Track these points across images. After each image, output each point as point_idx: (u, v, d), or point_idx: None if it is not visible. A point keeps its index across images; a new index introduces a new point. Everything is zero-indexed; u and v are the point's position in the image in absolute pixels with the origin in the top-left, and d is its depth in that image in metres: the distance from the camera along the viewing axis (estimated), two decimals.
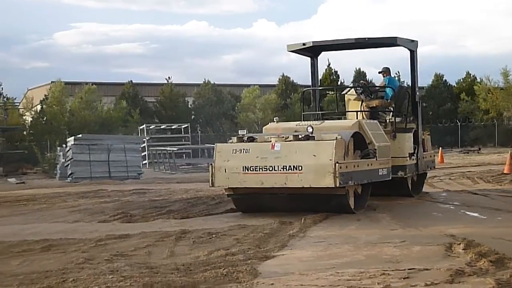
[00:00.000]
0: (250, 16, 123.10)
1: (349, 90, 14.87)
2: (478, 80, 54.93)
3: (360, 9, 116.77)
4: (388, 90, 14.07)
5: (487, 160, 30.20)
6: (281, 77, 54.23)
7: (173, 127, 45.32)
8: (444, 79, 56.25)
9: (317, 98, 15.09)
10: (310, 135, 10.79)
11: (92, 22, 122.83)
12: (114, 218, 11.97)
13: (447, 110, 53.62)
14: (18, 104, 47.72)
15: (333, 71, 51.85)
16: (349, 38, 13.70)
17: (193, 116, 52.19)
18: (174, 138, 44.03)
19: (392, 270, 6.40)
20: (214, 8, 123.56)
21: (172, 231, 9.63)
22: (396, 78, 14.27)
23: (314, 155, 10.48)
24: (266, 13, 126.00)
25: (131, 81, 54.62)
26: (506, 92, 51.52)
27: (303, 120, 13.48)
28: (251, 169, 10.85)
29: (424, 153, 14.36)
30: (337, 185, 10.29)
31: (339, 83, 50.88)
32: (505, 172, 20.35)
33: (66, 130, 42.98)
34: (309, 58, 14.99)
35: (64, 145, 29.08)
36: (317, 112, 14.76)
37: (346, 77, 57.29)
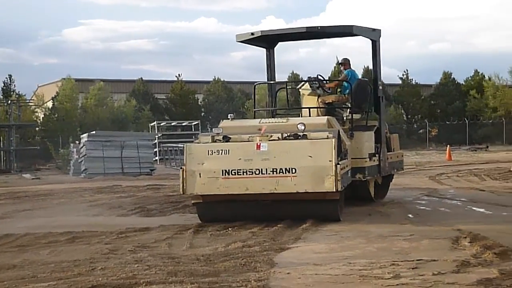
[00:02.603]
0: (259, 13, 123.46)
1: (303, 84, 13.29)
2: (487, 78, 55.13)
3: (369, 6, 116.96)
4: (346, 84, 12.67)
5: (495, 158, 30.48)
6: (290, 75, 54.56)
7: (183, 124, 45.76)
8: (452, 77, 56.50)
9: (273, 93, 13.58)
10: (302, 133, 9.76)
11: (102, 19, 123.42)
12: (132, 212, 12.40)
13: (455, 108, 53.90)
14: (29, 101, 48.24)
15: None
16: (301, 27, 12.61)
17: (203, 113, 52.62)
18: (184, 135, 44.41)
19: (402, 261, 6.77)
20: (224, 4, 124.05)
21: (189, 224, 10.04)
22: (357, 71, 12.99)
23: (310, 156, 9.42)
24: (275, 10, 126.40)
25: (142, 78, 55.13)
26: None
27: (255, 117, 12.68)
28: (233, 173, 9.56)
29: (389, 153, 12.92)
30: (339, 189, 9.37)
31: None
32: None
33: (78, 126, 43.50)
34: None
35: (77, 142, 29.55)
36: (269, 109, 13.46)
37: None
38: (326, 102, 12.51)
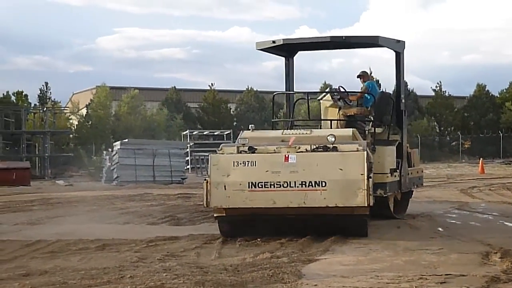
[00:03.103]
0: (292, 23, 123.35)
1: (324, 96, 12.95)
2: None
3: (402, 17, 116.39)
4: (367, 96, 12.25)
5: None
6: (322, 85, 54.49)
7: (215, 133, 45.95)
8: (486, 89, 55.99)
9: (290, 104, 13.22)
10: (332, 145, 9.43)
11: (135, 27, 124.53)
12: (162, 220, 12.50)
13: (489, 121, 53.37)
14: (64, 108, 48.92)
15: (375, 79, 51.91)
16: (325, 36, 12.36)
17: (235, 123, 52.81)
18: (216, 144, 44.53)
19: (430, 275, 6.73)
20: (257, 14, 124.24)
21: (218, 234, 10.04)
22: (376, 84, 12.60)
23: (341, 169, 9.09)
24: (307, 20, 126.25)
25: (175, 87, 55.56)
26: None
27: (273, 128, 12.41)
28: (260, 186, 9.20)
29: (410, 168, 12.59)
30: (370, 204, 9.06)
31: None
32: None
33: (110, 134, 43.96)
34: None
35: (109, 149, 29.88)
36: (288, 120, 13.00)
37: (388, 87, 57.25)
38: (348, 114, 12.13)
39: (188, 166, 37.38)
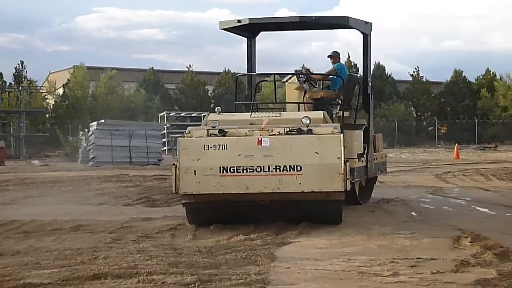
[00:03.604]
0: (272, 6, 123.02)
1: (290, 78, 12.20)
2: (498, 77, 55.04)
3: (383, 2, 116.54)
4: (336, 79, 11.69)
5: (503, 158, 30.45)
6: (301, 68, 54.44)
7: (193, 114, 45.90)
8: (463, 75, 56.43)
9: (253, 86, 12.57)
10: (307, 128, 8.95)
11: (114, 7, 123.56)
12: (137, 202, 12.51)
13: (465, 107, 53.85)
14: (40, 87, 48.49)
15: (352, 64, 52.02)
16: (294, 16, 11.76)
17: (212, 105, 52.63)
18: (194, 126, 44.53)
19: (401, 259, 6.82)
20: None
21: None
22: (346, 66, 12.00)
23: (317, 153, 8.73)
24: (288, 2, 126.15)
25: (153, 68, 55.30)
26: None
27: (235, 111, 11.77)
28: (232, 170, 8.73)
29: (375, 153, 12.20)
30: (348, 188, 8.82)
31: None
32: None
33: (88, 114, 43.71)
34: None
35: (86, 130, 29.73)
36: (252, 102, 12.28)
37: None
38: (315, 97, 11.56)
39: (164, 148, 37.31)
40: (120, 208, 11.60)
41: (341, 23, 11.82)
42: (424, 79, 56.91)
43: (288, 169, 8.70)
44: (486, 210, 11.43)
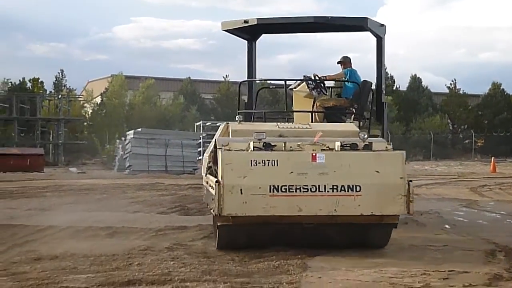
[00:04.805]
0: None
1: (298, 85, 11.10)
2: None
3: (419, 13, 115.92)
4: (350, 85, 10.81)
5: None
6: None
7: None
8: (501, 88, 55.82)
9: (253, 92, 11.66)
10: (365, 143, 7.94)
11: (151, 17, 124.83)
12: (172, 210, 12.66)
13: (503, 119, 53.22)
14: (79, 96, 49.19)
15: (388, 75, 51.80)
16: (308, 16, 10.73)
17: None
18: None
19: (433, 271, 6.80)
20: (273, 7, 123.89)
21: None
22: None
23: (377, 171, 7.75)
24: (324, 13, 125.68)
25: (190, 77, 55.72)
26: None
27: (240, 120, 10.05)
28: (284, 190, 7.59)
29: None
30: (410, 212, 7.86)
31: (393, 89, 50.58)
32: None
33: (124, 123, 44.21)
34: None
35: (123, 138, 30.08)
36: (258, 111, 11.41)
37: (402, 84, 57.16)
38: (326, 106, 10.73)
39: (200, 157, 37.49)
40: (154, 216, 11.74)
41: (358, 24, 10.62)
42: (461, 91, 56.43)
43: (346, 189, 7.69)
44: None
